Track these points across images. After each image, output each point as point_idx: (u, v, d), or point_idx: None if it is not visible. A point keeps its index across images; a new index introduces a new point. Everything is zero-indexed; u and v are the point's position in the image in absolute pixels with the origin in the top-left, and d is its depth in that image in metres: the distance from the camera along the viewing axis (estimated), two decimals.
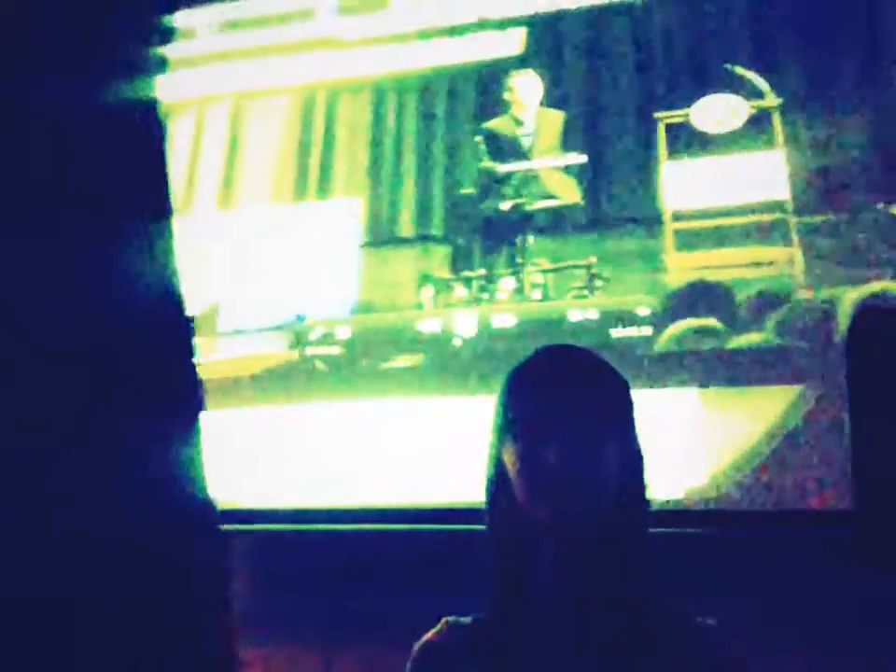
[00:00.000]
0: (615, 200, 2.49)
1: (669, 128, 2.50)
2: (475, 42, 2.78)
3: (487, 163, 2.63)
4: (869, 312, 0.97)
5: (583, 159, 2.56)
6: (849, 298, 2.19)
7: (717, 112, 2.48)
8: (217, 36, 3.08)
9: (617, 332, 2.31)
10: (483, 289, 2.49)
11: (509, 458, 1.04)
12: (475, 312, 2.45)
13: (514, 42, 2.73)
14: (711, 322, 2.26)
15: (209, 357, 2.63)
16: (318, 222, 2.71)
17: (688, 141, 2.48)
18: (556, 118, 2.62)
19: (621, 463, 1.03)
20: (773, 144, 2.42)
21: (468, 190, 2.65)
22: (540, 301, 2.47)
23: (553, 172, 2.61)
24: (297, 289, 2.62)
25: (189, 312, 1.09)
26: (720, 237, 2.37)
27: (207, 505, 1.11)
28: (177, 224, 2.83)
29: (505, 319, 2.40)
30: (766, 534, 2.03)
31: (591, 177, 2.54)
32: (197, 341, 2.59)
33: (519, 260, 2.50)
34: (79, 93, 1.00)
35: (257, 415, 2.50)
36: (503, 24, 2.76)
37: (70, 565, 0.93)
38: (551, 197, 2.57)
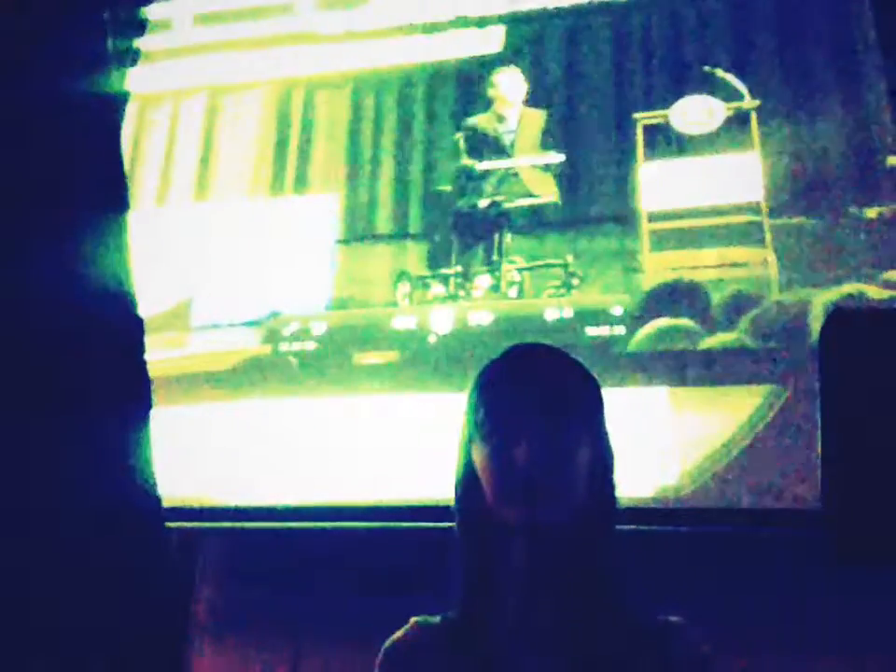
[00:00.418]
0: (592, 199, 2.49)
1: (647, 129, 2.51)
2: (455, 39, 2.78)
3: (467, 160, 2.63)
4: (840, 313, 0.97)
5: (561, 158, 2.56)
6: (822, 299, 2.21)
7: (695, 113, 2.49)
8: (195, 29, 3.06)
9: (591, 331, 2.31)
10: (459, 286, 2.48)
11: (478, 458, 1.04)
12: (451, 309, 2.44)
13: (494, 40, 2.74)
14: (686, 322, 2.26)
15: (181, 351, 2.60)
16: (295, 217, 2.69)
17: (666, 142, 2.48)
18: (538, 116, 2.63)
19: (591, 463, 1.04)
20: (749, 146, 2.43)
21: (445, 188, 2.64)
22: (517, 298, 2.47)
23: (532, 170, 2.61)
24: (272, 284, 2.60)
25: (146, 308, 1.07)
26: (695, 238, 2.37)
27: (154, 504, 1.10)
28: (153, 216, 2.81)
29: (481, 317, 2.40)
30: (737, 531, 2.04)
31: (569, 176, 2.54)
32: (169, 335, 2.59)
33: (495, 258, 2.50)
34: (28, 85, 0.98)
35: (229, 411, 2.48)
36: (482, 22, 2.76)
37: (9, 564, 0.91)
38: (529, 195, 2.56)
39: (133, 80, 3.05)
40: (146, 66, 3.07)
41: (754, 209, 2.38)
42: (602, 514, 1.06)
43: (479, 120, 2.67)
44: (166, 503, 2.47)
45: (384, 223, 2.67)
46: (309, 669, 2.34)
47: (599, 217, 2.46)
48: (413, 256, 2.61)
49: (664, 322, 2.27)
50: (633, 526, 1.84)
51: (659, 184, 2.45)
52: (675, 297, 2.28)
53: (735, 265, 2.34)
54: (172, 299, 2.65)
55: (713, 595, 1.96)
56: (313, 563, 2.32)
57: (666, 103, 2.51)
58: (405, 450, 2.24)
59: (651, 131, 2.50)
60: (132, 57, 3.06)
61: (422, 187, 2.68)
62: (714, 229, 2.37)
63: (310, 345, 2.50)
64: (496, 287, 2.48)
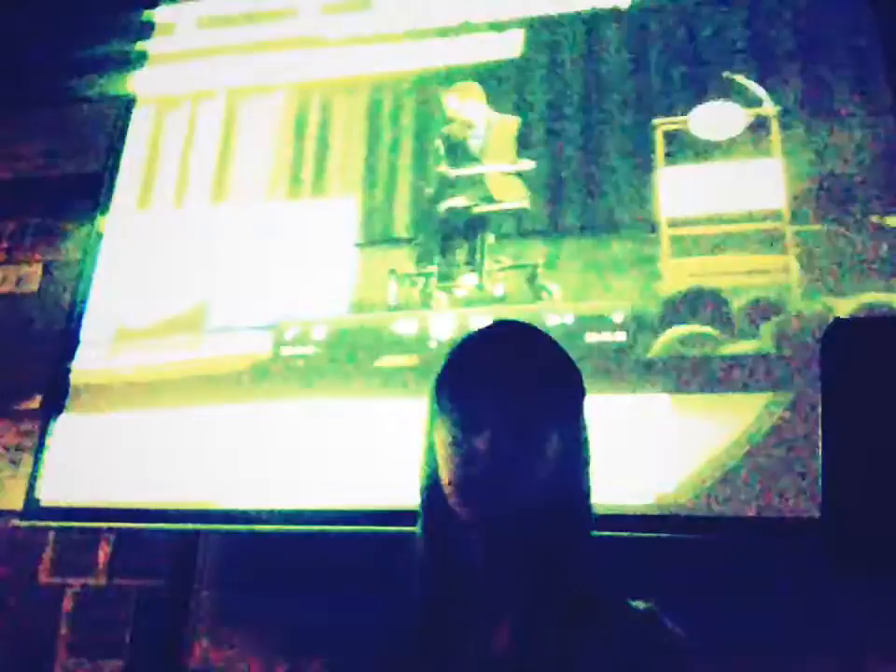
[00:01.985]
0: (609, 205, 2.46)
1: (667, 135, 2.49)
2: (472, 43, 2.79)
3: (442, 167, 2.65)
4: (840, 322, 0.96)
5: (531, 164, 2.56)
6: (844, 308, 2.19)
7: (715, 119, 2.48)
8: (205, 32, 3.10)
9: (592, 337, 2.30)
10: (443, 282, 2.51)
11: (439, 441, 0.96)
12: (452, 315, 2.44)
13: (513, 44, 2.74)
14: (705, 329, 2.25)
15: (195, 353, 2.62)
16: (314, 220, 2.69)
17: (686, 148, 2.47)
18: (510, 123, 2.63)
19: (561, 458, 0.94)
20: (770, 152, 2.41)
21: (429, 191, 2.65)
22: (502, 297, 2.48)
23: (499, 176, 2.60)
24: (291, 287, 2.60)
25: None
26: (715, 244, 2.35)
27: None
28: (170, 218, 2.84)
29: (481, 323, 2.39)
30: (737, 539, 2.02)
31: (586, 182, 2.51)
32: (183, 338, 2.61)
33: (478, 258, 2.52)
34: None
35: (230, 414, 2.49)
36: (500, 26, 2.77)
37: None
38: (494, 200, 2.57)
39: (149, 82, 3.09)
40: (161, 67, 3.10)
41: (775, 216, 2.35)
42: (571, 515, 0.96)
43: (452, 129, 2.70)
44: (168, 504, 2.52)
45: (402, 227, 2.66)
46: (309, 670, 2.35)
47: (617, 223, 2.44)
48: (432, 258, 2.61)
49: (683, 329, 2.26)
50: (632, 533, 1.85)
51: (679, 190, 2.43)
52: (694, 304, 2.27)
53: (755, 272, 2.32)
54: (188, 301, 2.66)
55: (712, 601, 1.95)
56: (313, 565, 2.33)
57: (685, 109, 2.49)
58: (406, 454, 2.24)
59: (670, 137, 2.48)
60: (137, 60, 3.10)
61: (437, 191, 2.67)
62: (734, 235, 2.34)
63: (311, 349, 2.51)
64: (480, 286, 2.49)
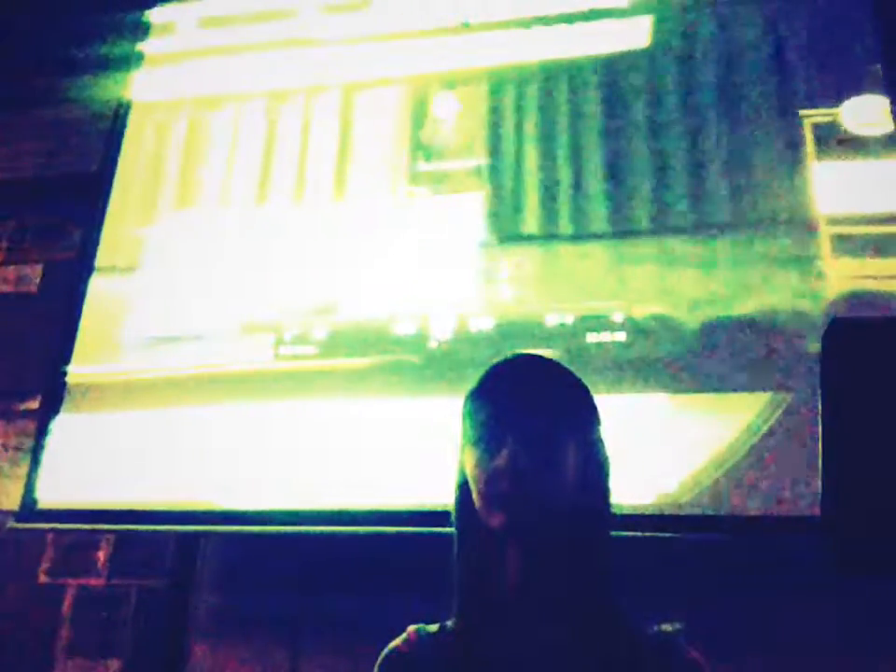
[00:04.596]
0: (757, 200, 2.34)
1: (816, 127, 2.36)
2: (598, 31, 2.68)
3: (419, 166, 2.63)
4: (840, 322, 0.96)
5: (482, 162, 2.57)
6: None
7: (869, 114, 2.34)
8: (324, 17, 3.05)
9: (592, 337, 2.29)
10: None
11: (468, 465, 1.06)
12: (452, 314, 2.43)
13: (640, 32, 2.62)
14: None
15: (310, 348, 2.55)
16: (438, 217, 2.60)
17: (837, 142, 2.33)
18: (469, 126, 2.63)
19: (580, 469, 1.04)
20: None
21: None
22: None
23: (459, 174, 2.60)
24: (417, 285, 2.52)
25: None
26: (877, 245, 2.21)
27: None
28: (288, 216, 2.73)
29: (481, 322, 2.39)
30: (737, 539, 2.03)
31: (729, 176, 2.39)
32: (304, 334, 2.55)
33: None
34: None
35: (230, 414, 2.49)
36: (627, 13, 2.65)
37: None
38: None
39: (176, 81, 3.07)
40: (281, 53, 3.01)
41: None
42: (593, 521, 1.06)
43: (423, 131, 2.70)
44: (168, 505, 2.51)
45: (531, 224, 2.53)
46: (308, 670, 2.35)
47: (770, 220, 2.31)
48: (566, 258, 2.46)
49: None
50: (633, 533, 1.85)
51: (835, 187, 2.30)
52: (860, 306, 2.14)
53: None
54: (316, 298, 2.60)
55: (713, 601, 1.96)
56: (312, 566, 2.34)
57: (832, 101, 2.36)
58: (406, 454, 2.24)
59: (819, 130, 2.35)
60: (137, 60, 3.09)
61: (570, 186, 2.52)
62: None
63: (311, 349, 2.50)
64: None
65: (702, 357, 2.19)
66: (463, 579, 1.07)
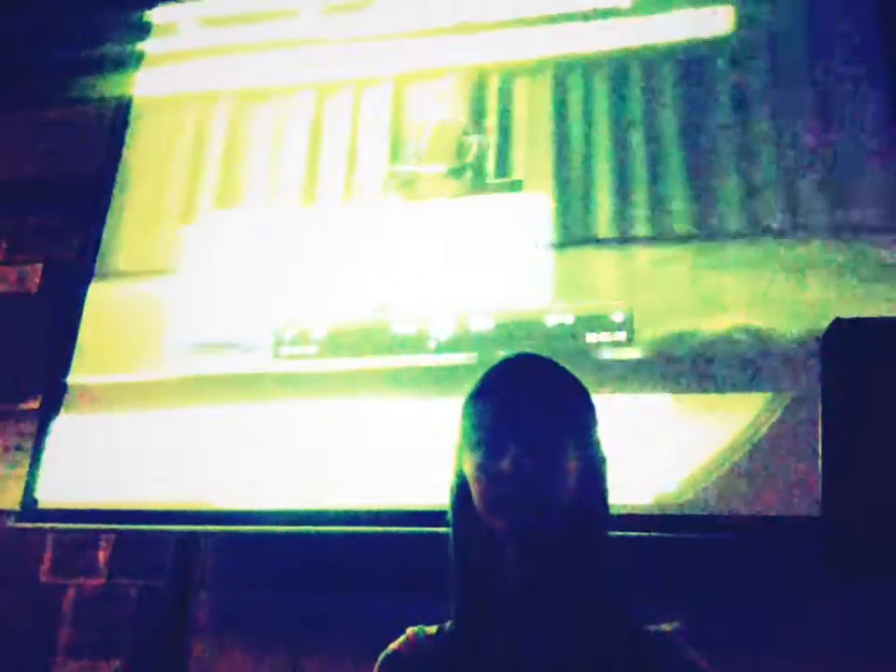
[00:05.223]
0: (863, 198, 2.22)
1: None
2: (676, 19, 2.54)
3: (396, 167, 2.59)
4: (841, 323, 0.97)
5: (441, 170, 2.51)
6: None
7: None
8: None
9: (592, 337, 2.27)
10: None
11: (468, 467, 1.05)
12: (451, 314, 2.42)
13: (721, 21, 2.49)
14: None
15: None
16: (501, 218, 2.47)
17: None
18: (452, 129, 2.57)
19: (580, 470, 1.04)
20: None
21: None
22: None
23: (437, 177, 2.54)
24: (483, 290, 2.42)
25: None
26: None
27: None
28: (335, 214, 2.64)
29: (481, 322, 2.38)
30: (737, 538, 2.03)
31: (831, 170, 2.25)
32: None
33: None
34: None
35: (230, 414, 2.48)
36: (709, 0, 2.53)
37: None
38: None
39: (187, 79, 3.04)
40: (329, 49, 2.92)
41: None
42: (593, 522, 1.06)
43: (403, 132, 2.64)
44: (168, 505, 2.51)
45: (604, 226, 2.38)
46: (308, 670, 2.36)
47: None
48: (643, 261, 2.31)
49: None
50: (633, 533, 1.85)
51: None
52: None
53: None
54: (381, 297, 2.51)
55: (713, 601, 1.96)
56: (313, 566, 2.34)
57: None
58: (407, 455, 2.24)
59: None
60: (139, 60, 3.08)
61: (646, 184, 2.39)
62: None
63: (311, 349, 2.49)
64: None
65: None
66: (461, 580, 1.07)
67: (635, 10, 2.60)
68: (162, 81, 3.07)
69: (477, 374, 1.10)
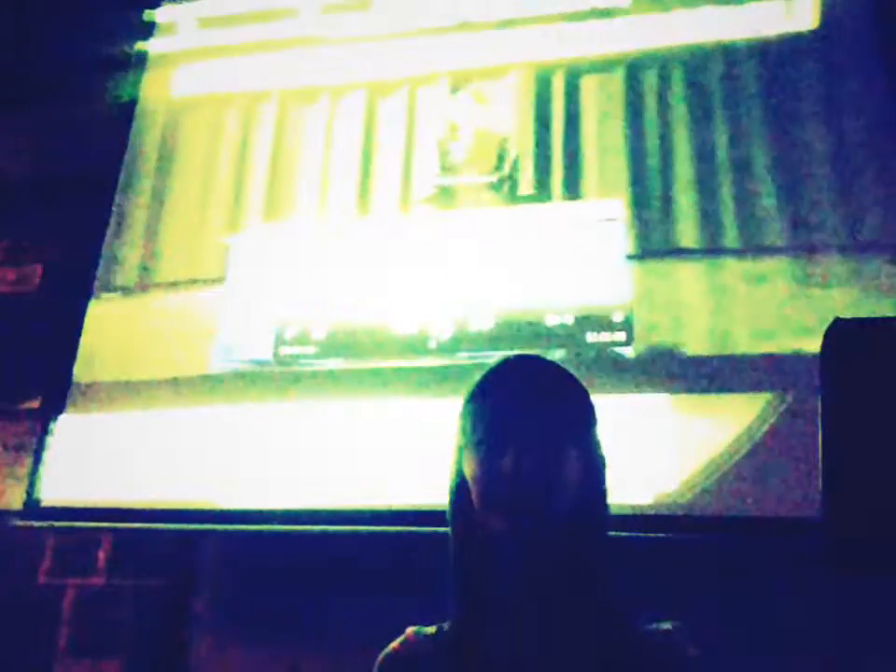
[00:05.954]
0: None
1: None
2: (753, 13, 2.43)
3: (438, 175, 2.55)
4: (841, 323, 0.97)
5: (492, 179, 2.44)
6: None
7: None
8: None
9: (592, 337, 2.27)
10: None
11: (468, 466, 1.06)
12: (451, 314, 2.42)
13: (802, 15, 2.37)
14: None
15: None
16: (571, 227, 2.36)
17: None
18: (493, 138, 2.50)
19: (580, 471, 1.04)
20: None
21: None
22: None
23: (471, 187, 2.48)
24: (552, 301, 2.32)
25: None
26: None
27: None
28: (396, 221, 2.59)
29: (481, 322, 2.38)
30: (736, 539, 2.03)
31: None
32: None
33: None
34: None
35: (230, 414, 2.48)
36: None
37: None
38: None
39: (192, 79, 3.04)
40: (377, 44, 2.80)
41: None
42: (593, 522, 1.06)
43: (441, 138, 2.57)
44: (168, 505, 2.51)
45: (688, 235, 2.26)
46: (309, 670, 2.36)
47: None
48: (733, 273, 2.18)
49: None
50: (632, 533, 1.85)
51: None
52: None
53: None
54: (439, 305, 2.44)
55: (712, 602, 1.96)
56: (312, 566, 2.34)
57: None
58: (406, 455, 2.24)
59: None
60: (142, 60, 3.07)
61: (732, 189, 2.27)
62: None
63: (311, 349, 2.49)
64: None
65: None
66: (461, 580, 1.07)
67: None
68: (203, 79, 3.03)
69: (477, 375, 1.11)
